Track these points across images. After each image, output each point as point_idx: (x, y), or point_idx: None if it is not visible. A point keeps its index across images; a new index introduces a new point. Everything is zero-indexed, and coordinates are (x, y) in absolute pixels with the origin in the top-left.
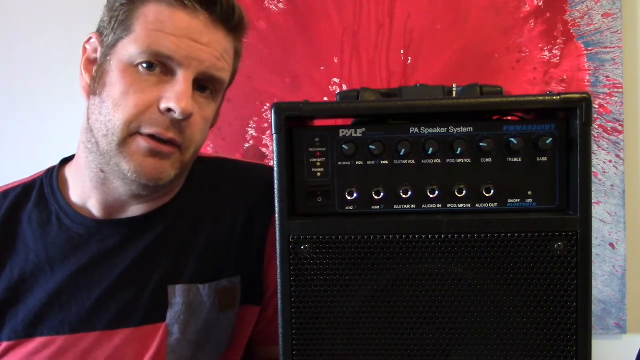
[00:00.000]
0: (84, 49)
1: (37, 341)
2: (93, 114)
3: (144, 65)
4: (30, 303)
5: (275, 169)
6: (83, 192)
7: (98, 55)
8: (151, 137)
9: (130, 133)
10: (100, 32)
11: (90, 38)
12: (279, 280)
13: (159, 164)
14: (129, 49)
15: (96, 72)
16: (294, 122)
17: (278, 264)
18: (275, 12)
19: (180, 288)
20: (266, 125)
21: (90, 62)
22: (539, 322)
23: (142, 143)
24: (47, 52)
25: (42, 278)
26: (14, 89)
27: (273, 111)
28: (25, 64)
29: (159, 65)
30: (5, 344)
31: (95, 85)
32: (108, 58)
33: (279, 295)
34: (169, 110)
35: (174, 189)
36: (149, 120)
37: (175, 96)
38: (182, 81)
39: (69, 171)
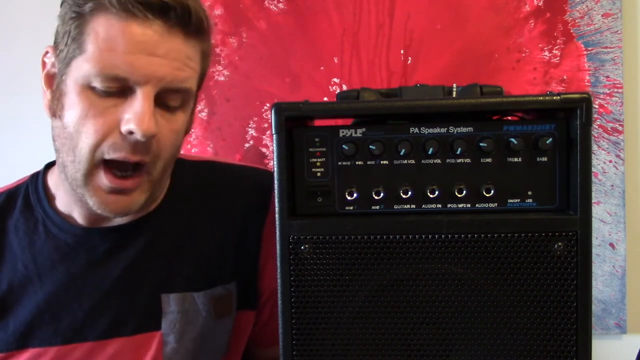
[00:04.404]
0: (43, 63)
1: (29, 353)
2: (58, 137)
3: (100, 86)
4: (20, 314)
5: (275, 169)
6: (66, 201)
7: (56, 70)
8: (115, 166)
9: (95, 162)
10: (55, 46)
11: (47, 52)
12: (279, 281)
13: (122, 199)
14: (83, 69)
15: (55, 91)
16: (294, 122)
17: (278, 264)
18: (275, 12)
19: (174, 297)
20: (266, 125)
21: (49, 77)
22: (539, 322)
23: (104, 180)
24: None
25: (31, 288)
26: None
27: (273, 111)
28: (21, 63)
29: (116, 85)
30: None
31: (54, 106)
32: (64, 78)
33: (279, 295)
34: (131, 132)
35: (159, 195)
36: (112, 146)
37: (135, 117)
38: (141, 100)
39: (52, 179)
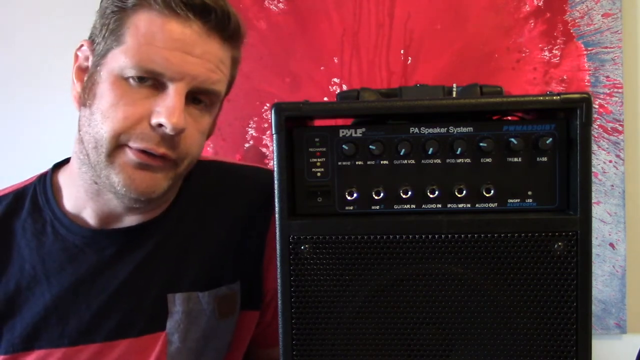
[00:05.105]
0: (76, 56)
1: (36, 354)
2: (83, 125)
3: (135, 77)
4: (27, 315)
5: (275, 169)
6: (77, 201)
7: (89, 63)
8: (141, 151)
9: (118, 144)
10: (91, 40)
11: (82, 45)
12: (279, 281)
13: (149, 177)
14: (120, 60)
15: (87, 82)
16: (294, 122)
17: (278, 264)
18: (275, 12)
19: (180, 296)
20: (266, 125)
21: (81, 71)
22: (539, 322)
23: (131, 156)
24: (44, 50)
25: (38, 290)
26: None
27: (273, 111)
28: (20, 63)
29: (150, 78)
30: (2, 358)
31: (86, 96)
32: (98, 68)
33: (279, 295)
34: (160, 125)
35: (169, 197)
36: (139, 135)
37: (166, 111)
38: (173, 95)
39: (63, 178)
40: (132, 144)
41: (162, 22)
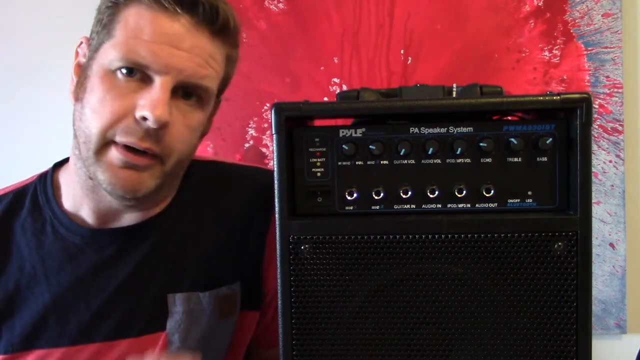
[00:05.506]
0: (76, 53)
1: (35, 354)
2: (76, 120)
3: (123, 71)
4: (26, 315)
5: (275, 169)
6: (75, 199)
7: (86, 59)
8: (126, 147)
9: (105, 141)
10: (90, 37)
11: (81, 42)
12: (279, 281)
13: (134, 175)
14: (109, 54)
15: (80, 76)
16: (294, 122)
17: (278, 264)
18: (275, 12)
19: (180, 296)
20: (266, 125)
21: (79, 66)
22: (539, 322)
23: (115, 154)
24: (44, 50)
25: (37, 289)
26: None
27: (273, 111)
28: (20, 63)
29: (139, 72)
30: (2, 358)
31: (79, 90)
32: (90, 62)
33: (279, 295)
34: (144, 118)
35: (167, 196)
36: (124, 129)
37: (150, 104)
38: (158, 88)
39: (63, 177)
40: (117, 138)
41: (150, 16)
